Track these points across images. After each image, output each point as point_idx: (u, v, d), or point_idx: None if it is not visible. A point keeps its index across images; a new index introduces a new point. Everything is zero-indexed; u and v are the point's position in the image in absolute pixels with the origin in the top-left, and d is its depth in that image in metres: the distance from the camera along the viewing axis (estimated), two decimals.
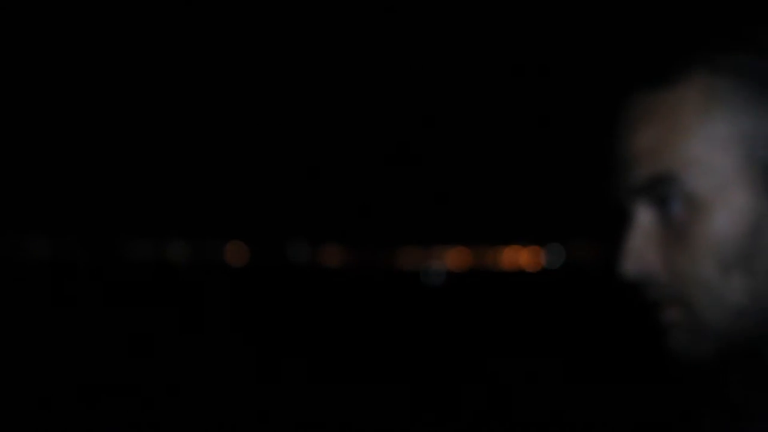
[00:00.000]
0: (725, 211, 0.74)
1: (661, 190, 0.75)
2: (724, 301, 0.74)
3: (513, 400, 6.71)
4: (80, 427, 5.64)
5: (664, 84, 0.76)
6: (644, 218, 0.77)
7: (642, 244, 0.77)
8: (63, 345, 8.48)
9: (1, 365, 7.14)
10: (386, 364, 8.22)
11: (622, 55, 0.84)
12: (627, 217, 0.79)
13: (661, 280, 0.77)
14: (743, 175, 0.74)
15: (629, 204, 0.78)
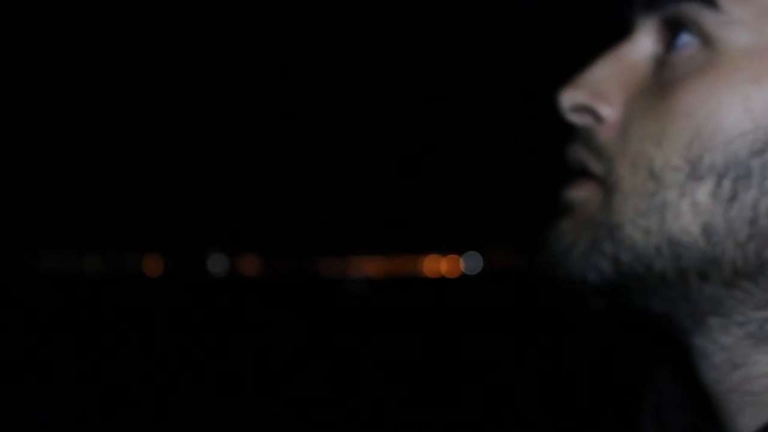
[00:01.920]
0: (751, 92, 0.48)
1: (678, 10, 0.50)
2: (664, 214, 0.50)
3: (442, 402, 6.79)
4: None
5: None
6: (637, 45, 0.53)
7: (607, 76, 0.53)
8: None
9: None
10: (309, 372, 8.27)
11: None
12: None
13: (602, 136, 0.52)
14: None
15: (633, 18, 0.54)
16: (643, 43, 0.53)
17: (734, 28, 0.49)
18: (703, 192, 0.49)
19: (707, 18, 0.49)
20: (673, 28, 0.51)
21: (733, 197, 0.49)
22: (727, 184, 0.49)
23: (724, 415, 0.53)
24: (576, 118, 0.53)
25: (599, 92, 0.52)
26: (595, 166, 0.52)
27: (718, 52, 0.49)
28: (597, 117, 0.53)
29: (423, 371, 8.26)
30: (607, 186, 0.51)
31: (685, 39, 0.50)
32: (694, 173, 0.49)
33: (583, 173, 0.53)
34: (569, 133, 0.53)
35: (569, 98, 0.53)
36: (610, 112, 0.52)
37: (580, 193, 0.53)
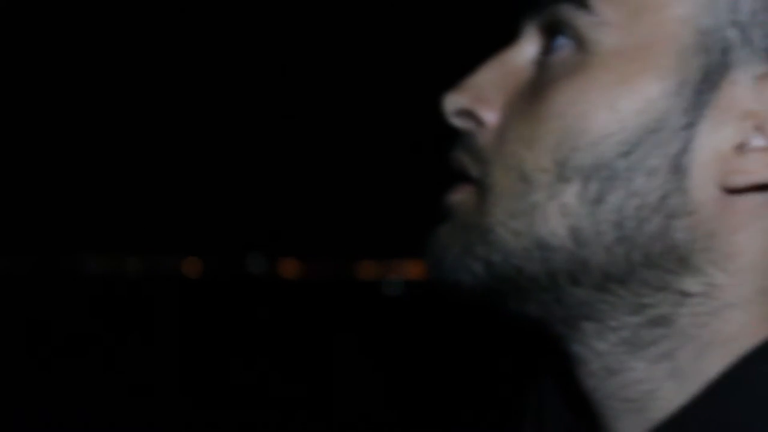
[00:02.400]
0: (619, 93, 0.48)
1: (555, 13, 0.50)
2: (534, 217, 0.49)
3: (478, 399, 6.76)
4: None
5: None
6: (520, 50, 0.53)
7: (490, 80, 0.52)
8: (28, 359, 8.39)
9: None
10: (351, 373, 8.28)
11: None
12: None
13: (482, 140, 0.52)
14: (682, 56, 0.48)
15: (522, 23, 0.54)
16: (527, 48, 0.53)
17: (605, 29, 0.49)
18: (570, 194, 0.48)
19: (580, 20, 0.49)
20: (552, 32, 0.51)
21: (599, 199, 0.48)
22: (593, 186, 0.48)
23: (603, 422, 0.53)
24: (459, 122, 0.53)
25: (481, 96, 0.52)
26: (473, 169, 0.52)
27: (589, 53, 0.49)
28: (478, 121, 0.53)
29: (461, 373, 8.23)
30: (482, 189, 0.51)
31: (562, 41, 0.50)
32: (562, 175, 0.49)
33: (463, 177, 0.53)
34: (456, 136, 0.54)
35: (452, 102, 0.53)
36: (490, 116, 0.52)
37: (458, 197, 0.53)
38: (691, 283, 0.49)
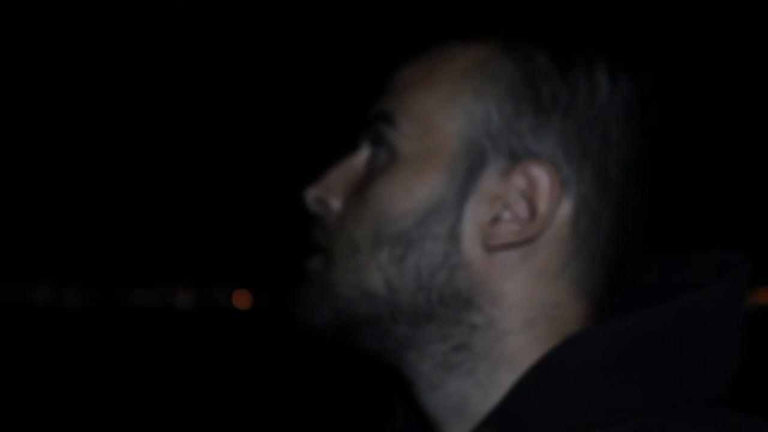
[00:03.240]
0: (414, 183, 0.67)
1: (376, 130, 0.71)
2: (361, 273, 0.68)
3: None
4: None
5: (468, 37, 0.71)
6: (358, 156, 0.73)
7: (336, 178, 0.72)
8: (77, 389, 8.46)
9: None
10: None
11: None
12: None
13: (329, 222, 0.72)
14: (454, 158, 0.67)
15: (361, 135, 0.74)
16: (362, 154, 0.73)
17: (405, 140, 0.69)
18: (383, 256, 0.67)
19: (390, 133, 0.69)
20: (376, 143, 0.71)
21: (402, 259, 0.67)
22: (398, 250, 0.67)
23: (438, 429, 0.70)
24: (315, 208, 0.73)
25: (330, 189, 0.72)
26: (324, 241, 0.72)
27: (395, 157, 0.69)
28: (328, 207, 0.72)
29: None
30: (328, 256, 0.70)
31: (381, 150, 0.70)
32: (378, 242, 0.67)
33: (318, 248, 0.72)
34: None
35: (310, 194, 0.73)
36: (335, 203, 0.72)
37: (314, 264, 0.72)
38: (476, 318, 0.67)
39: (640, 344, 0.63)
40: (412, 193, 0.68)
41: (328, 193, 0.72)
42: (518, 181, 0.67)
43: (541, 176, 0.66)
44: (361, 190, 0.70)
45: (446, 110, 0.68)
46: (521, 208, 0.67)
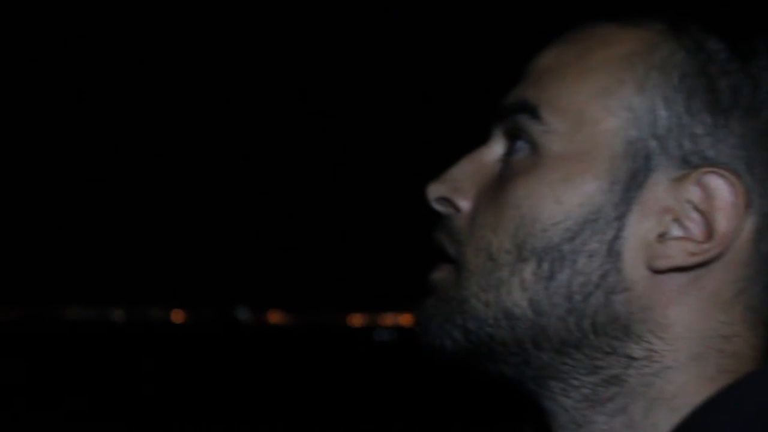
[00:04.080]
0: (563, 189, 0.58)
1: (515, 122, 0.61)
2: (500, 291, 0.59)
3: None
4: None
5: (624, 17, 0.61)
6: (490, 149, 0.63)
7: (465, 174, 0.63)
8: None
9: None
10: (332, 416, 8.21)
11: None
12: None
13: (457, 224, 0.62)
14: (613, 161, 0.58)
15: (492, 127, 0.64)
16: (495, 148, 0.63)
17: (552, 137, 0.59)
18: (528, 271, 0.58)
19: (533, 128, 0.59)
20: (513, 136, 0.61)
21: (551, 276, 0.57)
22: (546, 266, 0.57)
23: None
24: (439, 207, 0.63)
25: (457, 187, 0.62)
26: (450, 248, 0.62)
27: (540, 155, 0.59)
28: (455, 207, 0.62)
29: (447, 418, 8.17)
30: (458, 266, 0.61)
31: (520, 145, 0.60)
32: (521, 255, 0.58)
33: (442, 255, 0.62)
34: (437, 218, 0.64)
35: (434, 191, 0.63)
36: (464, 203, 0.62)
37: (440, 275, 0.62)
38: (634, 349, 0.58)
39: None
40: (562, 200, 0.58)
41: (455, 192, 0.62)
42: (692, 192, 0.57)
43: (721, 187, 0.57)
44: (497, 191, 0.60)
45: (603, 104, 0.59)
46: (695, 225, 0.57)
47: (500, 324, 0.58)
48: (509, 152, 0.61)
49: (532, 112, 0.59)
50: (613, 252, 0.57)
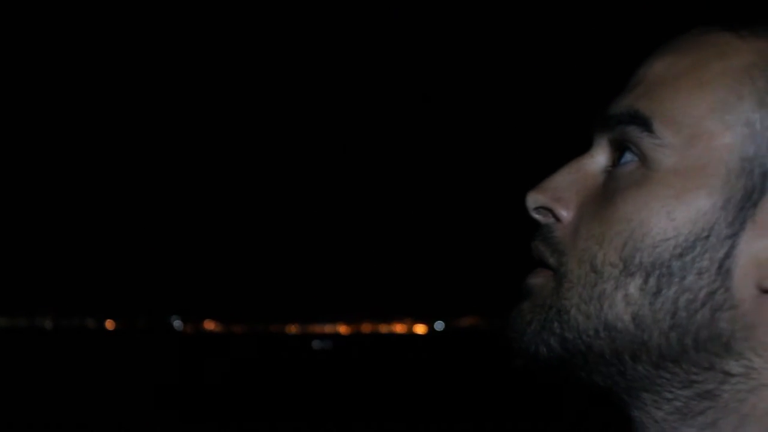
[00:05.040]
0: (675, 204, 0.57)
1: (624, 133, 0.59)
2: (603, 303, 0.58)
3: None
4: None
5: (739, 25, 0.60)
6: (593, 159, 0.62)
7: (566, 183, 0.62)
8: None
9: None
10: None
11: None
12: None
13: (558, 234, 0.61)
14: (728, 178, 0.57)
15: (595, 136, 0.63)
16: (598, 158, 0.62)
17: (665, 151, 0.57)
18: (633, 286, 0.57)
19: (645, 141, 0.58)
20: (620, 147, 0.60)
21: (657, 292, 0.57)
22: (652, 281, 0.57)
23: None
24: (539, 217, 0.62)
25: (558, 197, 0.61)
26: (551, 258, 0.61)
27: (651, 169, 0.58)
28: (556, 217, 0.62)
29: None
30: (558, 275, 0.60)
31: (628, 157, 0.59)
32: (627, 270, 0.57)
33: (541, 263, 0.62)
34: (534, 226, 0.64)
35: (534, 200, 0.62)
36: (566, 213, 0.61)
37: (538, 280, 0.62)
38: (732, 365, 0.57)
39: None
40: (674, 216, 0.57)
41: (556, 201, 0.62)
42: None
43: None
44: (602, 203, 0.59)
45: (720, 118, 0.57)
46: None
47: (600, 336, 0.58)
48: (614, 163, 0.60)
49: (645, 124, 0.58)
50: (723, 270, 0.56)
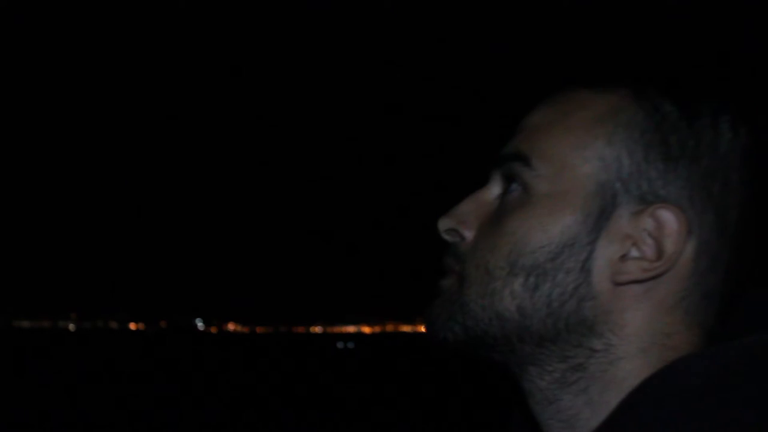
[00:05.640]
0: (548, 220, 0.73)
1: (510, 168, 0.75)
2: (494, 297, 0.74)
3: None
4: None
5: (596, 83, 0.76)
6: (489, 190, 0.79)
7: (469, 210, 0.78)
8: None
9: None
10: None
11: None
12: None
13: (462, 249, 0.77)
14: (587, 199, 0.73)
15: (492, 172, 0.79)
16: (493, 189, 0.78)
17: (540, 180, 0.73)
18: (517, 284, 0.73)
19: (525, 173, 0.74)
20: (509, 179, 0.76)
21: (536, 288, 0.72)
22: (532, 279, 0.72)
23: None
24: (448, 237, 0.79)
25: (463, 220, 0.78)
26: (456, 266, 0.77)
27: (530, 194, 0.74)
28: (461, 236, 0.78)
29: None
30: (462, 278, 0.76)
31: (514, 186, 0.75)
32: (512, 271, 0.73)
33: (450, 271, 0.78)
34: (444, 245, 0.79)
35: (443, 224, 0.78)
36: (468, 233, 0.77)
37: (447, 282, 0.77)
38: (596, 343, 0.73)
39: (738, 369, 0.67)
40: (547, 229, 0.72)
41: (461, 224, 0.77)
42: (647, 222, 0.72)
43: (669, 219, 0.72)
44: (495, 222, 0.75)
45: (580, 154, 0.73)
46: (649, 248, 0.72)
47: (493, 323, 0.73)
48: (505, 192, 0.76)
49: (525, 160, 0.74)
50: (585, 269, 0.72)
